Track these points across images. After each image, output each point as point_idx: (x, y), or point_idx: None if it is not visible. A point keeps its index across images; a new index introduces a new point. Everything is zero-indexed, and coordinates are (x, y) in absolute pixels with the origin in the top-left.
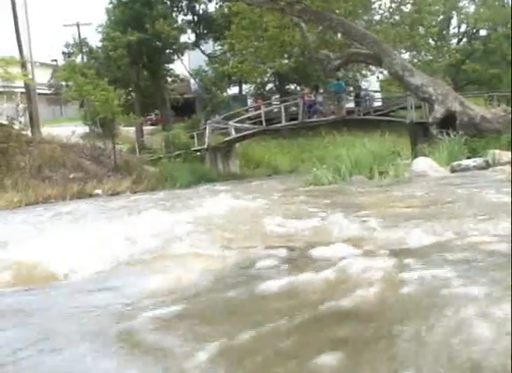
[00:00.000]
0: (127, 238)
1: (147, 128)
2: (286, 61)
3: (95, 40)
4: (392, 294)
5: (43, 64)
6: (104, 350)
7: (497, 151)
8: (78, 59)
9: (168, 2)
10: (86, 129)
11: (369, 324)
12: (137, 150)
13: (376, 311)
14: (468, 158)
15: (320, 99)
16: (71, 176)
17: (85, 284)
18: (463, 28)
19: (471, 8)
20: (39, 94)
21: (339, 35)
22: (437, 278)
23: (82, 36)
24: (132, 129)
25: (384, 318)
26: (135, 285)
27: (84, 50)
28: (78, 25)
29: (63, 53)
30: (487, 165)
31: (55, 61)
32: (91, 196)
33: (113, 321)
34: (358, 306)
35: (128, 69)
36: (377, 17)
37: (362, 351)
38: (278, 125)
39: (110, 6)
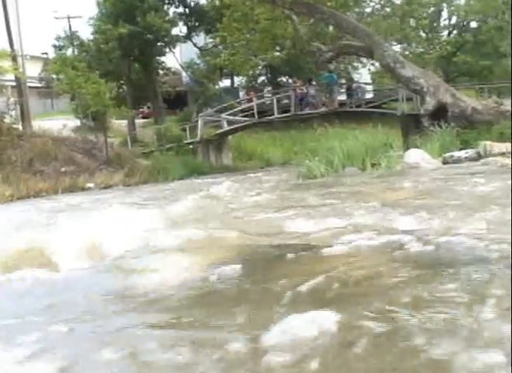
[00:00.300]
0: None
1: (139, 121)
2: (278, 54)
3: (86, 33)
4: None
5: (33, 57)
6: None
7: (488, 143)
8: (69, 52)
9: None
10: (78, 122)
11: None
12: (129, 143)
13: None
14: (460, 149)
15: (312, 91)
16: (63, 169)
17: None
18: (453, 20)
19: (462, 0)
20: (30, 87)
21: (331, 27)
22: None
23: (72, 29)
24: (124, 122)
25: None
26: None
27: (75, 43)
28: (69, 18)
29: (54, 46)
30: (479, 157)
31: (46, 54)
32: (83, 189)
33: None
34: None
35: (120, 62)
36: (368, 9)
37: None
38: (271, 117)
39: None
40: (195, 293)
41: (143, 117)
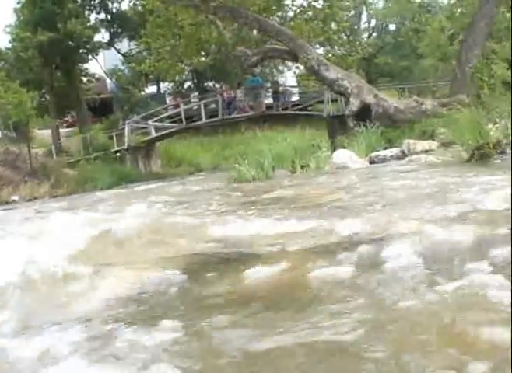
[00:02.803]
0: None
1: (64, 130)
2: (204, 59)
3: (3, 41)
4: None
5: None
6: None
7: (412, 141)
8: None
9: (79, 1)
10: None
11: None
12: (54, 153)
13: None
14: (385, 148)
15: (239, 95)
16: None
17: None
18: (373, 23)
19: (380, 4)
20: None
21: (255, 32)
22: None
23: None
24: (48, 132)
25: None
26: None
27: None
28: None
29: None
30: (403, 155)
31: None
32: (7, 203)
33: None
34: None
35: (41, 70)
36: (291, 13)
37: None
38: (199, 123)
39: (19, 5)
40: None
41: (68, 126)
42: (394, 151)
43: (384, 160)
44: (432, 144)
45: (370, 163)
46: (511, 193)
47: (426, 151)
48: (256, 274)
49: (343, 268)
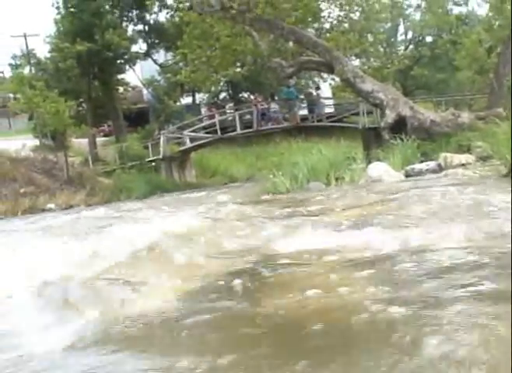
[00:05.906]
0: None
1: (100, 139)
2: (239, 70)
3: (43, 51)
4: None
5: None
6: None
7: (449, 155)
8: (26, 70)
9: (117, 12)
10: (37, 142)
11: None
12: (90, 162)
13: None
14: (421, 161)
15: (273, 106)
16: (22, 190)
17: None
18: (410, 35)
19: (417, 16)
20: None
21: (291, 43)
22: None
23: (29, 47)
24: (85, 141)
25: None
26: None
27: (32, 62)
28: (25, 36)
29: (10, 64)
30: (440, 169)
31: (2, 73)
32: (44, 210)
33: None
34: None
35: (79, 80)
36: (327, 25)
37: None
38: (233, 133)
39: (59, 17)
40: None
41: (104, 135)
42: (431, 164)
43: (419, 174)
44: (469, 158)
45: (406, 176)
46: (511, 204)
47: (462, 165)
48: None
49: None
